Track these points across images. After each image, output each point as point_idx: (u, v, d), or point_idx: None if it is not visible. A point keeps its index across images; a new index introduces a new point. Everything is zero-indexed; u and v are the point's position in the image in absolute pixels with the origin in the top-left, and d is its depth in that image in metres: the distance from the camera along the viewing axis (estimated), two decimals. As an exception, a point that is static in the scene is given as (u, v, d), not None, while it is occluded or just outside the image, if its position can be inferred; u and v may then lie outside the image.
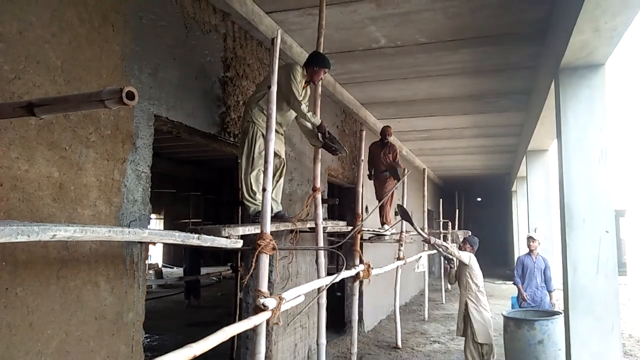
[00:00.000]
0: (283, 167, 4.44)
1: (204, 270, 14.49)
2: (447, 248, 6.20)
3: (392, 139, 8.21)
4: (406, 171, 8.06)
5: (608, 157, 4.56)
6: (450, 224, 15.11)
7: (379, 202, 7.50)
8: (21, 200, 2.54)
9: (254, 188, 4.15)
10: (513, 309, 8.22)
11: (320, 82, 4.31)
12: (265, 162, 3.14)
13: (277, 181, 4.42)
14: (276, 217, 4.32)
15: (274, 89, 3.19)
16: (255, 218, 4.11)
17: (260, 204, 4.12)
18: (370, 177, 8.20)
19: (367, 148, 8.05)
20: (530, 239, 7.86)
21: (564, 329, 4.90)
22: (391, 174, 7.85)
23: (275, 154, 4.09)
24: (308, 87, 4.37)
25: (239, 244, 3.27)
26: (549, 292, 7.53)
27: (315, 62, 4.19)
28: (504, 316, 6.35)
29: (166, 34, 3.73)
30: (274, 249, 3.07)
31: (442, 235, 14.81)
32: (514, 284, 7.90)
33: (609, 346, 4.36)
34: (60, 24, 2.81)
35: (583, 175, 4.58)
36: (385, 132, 8.14)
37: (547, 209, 9.47)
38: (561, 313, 5.92)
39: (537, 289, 7.60)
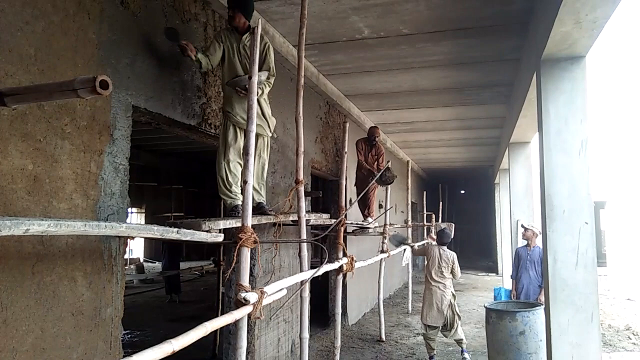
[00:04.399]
0: (261, 151, 4.33)
1: (186, 265, 14.41)
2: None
3: (380, 139, 8.21)
4: (391, 166, 8.07)
5: (588, 149, 4.59)
6: (434, 216, 15.20)
7: (359, 195, 7.49)
8: (-7, 193, 2.46)
9: (230, 180, 4.08)
10: (495, 301, 8.30)
11: (236, 22, 4.10)
12: (246, 154, 3.09)
13: (257, 168, 4.31)
14: (257, 209, 4.25)
15: (255, 79, 3.14)
16: (232, 212, 4.05)
17: (237, 197, 4.08)
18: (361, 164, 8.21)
19: (351, 141, 8.04)
20: (522, 227, 7.58)
21: (545, 320, 4.95)
22: (375, 179, 7.92)
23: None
24: (245, 36, 4.14)
25: (220, 237, 3.23)
26: (540, 287, 7.08)
27: None
28: (485, 308, 6.41)
29: (144, 22, 3.65)
30: (255, 242, 3.04)
31: (425, 228, 14.92)
32: (511, 277, 7.85)
33: (589, 336, 4.41)
34: (33, 11, 2.72)
35: (563, 166, 4.61)
36: (372, 132, 8.15)
37: (529, 201, 9.55)
38: (542, 304, 5.99)
39: (530, 283, 7.24)
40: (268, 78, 4.18)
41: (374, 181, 7.75)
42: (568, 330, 4.45)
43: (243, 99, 3.94)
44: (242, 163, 4.13)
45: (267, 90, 4.23)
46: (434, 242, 7.10)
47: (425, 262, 6.95)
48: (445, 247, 7.00)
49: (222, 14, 4.73)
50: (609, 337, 8.58)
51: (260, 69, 3.99)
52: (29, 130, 2.67)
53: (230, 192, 4.08)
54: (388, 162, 8.20)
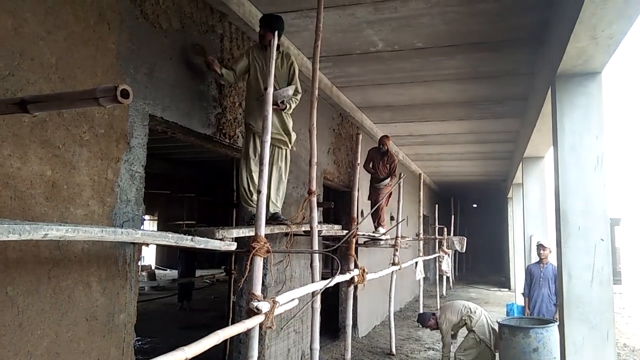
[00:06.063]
0: (276, 165, 4.41)
1: (197, 273, 14.44)
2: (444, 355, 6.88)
3: (389, 146, 8.22)
4: (402, 175, 8.07)
5: (604, 165, 4.55)
6: (445, 229, 15.11)
7: (373, 205, 7.48)
8: (13, 198, 2.51)
9: (251, 189, 4.18)
10: (508, 316, 8.20)
11: (271, 44, 4.25)
12: (261, 164, 3.12)
13: (271, 181, 4.38)
14: (272, 219, 4.30)
15: (270, 90, 3.17)
16: (252, 220, 4.10)
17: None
18: (366, 168, 8.20)
19: (363, 152, 8.06)
20: (540, 246, 7.34)
21: (559, 337, 4.88)
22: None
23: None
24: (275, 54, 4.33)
25: (233, 246, 3.24)
26: (556, 305, 6.99)
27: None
28: (499, 323, 6.33)
29: (162, 33, 3.71)
30: (268, 251, 3.05)
31: (437, 241, 14.82)
32: (522, 294, 7.76)
33: (604, 355, 4.34)
34: (55, 21, 2.78)
35: (578, 182, 4.57)
36: (381, 141, 8.16)
37: (543, 216, 9.47)
38: (556, 321, 5.91)
39: (543, 301, 7.15)
40: (295, 95, 4.32)
41: (381, 185, 7.80)
42: (583, 348, 4.38)
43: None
44: None
45: (294, 106, 4.36)
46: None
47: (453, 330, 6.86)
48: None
49: (238, 26, 4.80)
50: (625, 356, 8.43)
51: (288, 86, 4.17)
52: (48, 137, 2.72)
53: (252, 200, 4.19)
54: (402, 174, 8.18)
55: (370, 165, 8.29)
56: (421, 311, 11.08)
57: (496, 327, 6.48)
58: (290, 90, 4.17)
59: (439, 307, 11.09)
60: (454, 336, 6.99)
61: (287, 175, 4.56)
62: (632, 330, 10.93)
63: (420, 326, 7.61)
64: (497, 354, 6.49)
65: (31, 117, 2.58)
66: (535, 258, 7.91)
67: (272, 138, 4.14)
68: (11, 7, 2.53)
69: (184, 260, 12.23)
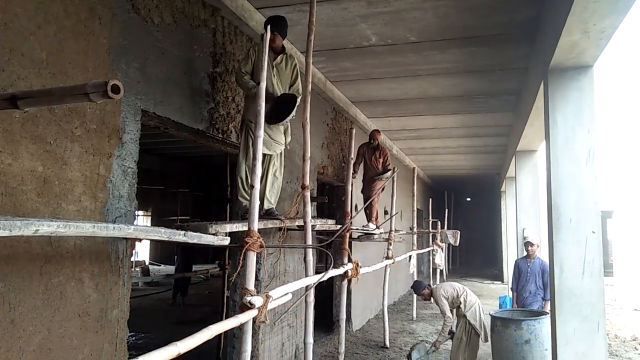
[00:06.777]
0: (272, 162, 4.43)
1: (192, 268, 14.43)
2: (446, 324, 6.73)
3: (381, 139, 8.23)
4: (395, 169, 8.09)
5: (596, 158, 4.58)
6: (439, 223, 15.16)
7: (367, 199, 7.49)
8: (4, 194, 2.50)
9: (248, 182, 4.20)
10: (500, 309, 8.26)
11: (275, 44, 4.27)
12: (254, 159, 3.11)
13: (267, 177, 4.40)
14: (266, 214, 4.31)
15: (263, 85, 3.16)
16: (245, 215, 4.11)
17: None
18: (355, 173, 8.17)
19: (357, 146, 8.06)
20: (528, 244, 7.30)
21: (550, 329, 4.93)
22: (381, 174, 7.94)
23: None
24: (279, 57, 4.37)
25: (226, 241, 3.24)
26: (544, 299, 7.01)
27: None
28: (491, 316, 6.38)
29: (154, 28, 3.69)
30: (261, 246, 3.05)
31: (430, 235, 14.89)
32: (511, 289, 7.78)
33: (595, 346, 4.39)
34: (45, 16, 2.76)
35: (571, 175, 4.60)
36: (372, 136, 8.17)
37: (536, 209, 9.52)
38: (548, 313, 5.96)
39: (529, 295, 7.15)
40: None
41: (382, 177, 7.80)
42: (574, 340, 4.42)
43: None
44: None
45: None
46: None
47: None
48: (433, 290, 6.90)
49: (231, 20, 4.78)
50: (615, 347, 8.51)
51: (290, 87, 4.31)
52: (39, 133, 2.71)
53: (247, 194, 4.19)
54: (395, 168, 8.20)
55: (361, 160, 8.28)
56: (415, 305, 11.14)
57: (487, 319, 6.52)
58: (297, 101, 4.24)
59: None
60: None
61: (282, 172, 4.58)
62: (624, 322, 11.03)
63: (414, 294, 7.59)
64: (481, 344, 6.53)
65: (22, 112, 2.56)
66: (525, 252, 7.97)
67: (272, 141, 4.19)
68: (1, 2, 2.51)
69: (181, 256, 12.20)
